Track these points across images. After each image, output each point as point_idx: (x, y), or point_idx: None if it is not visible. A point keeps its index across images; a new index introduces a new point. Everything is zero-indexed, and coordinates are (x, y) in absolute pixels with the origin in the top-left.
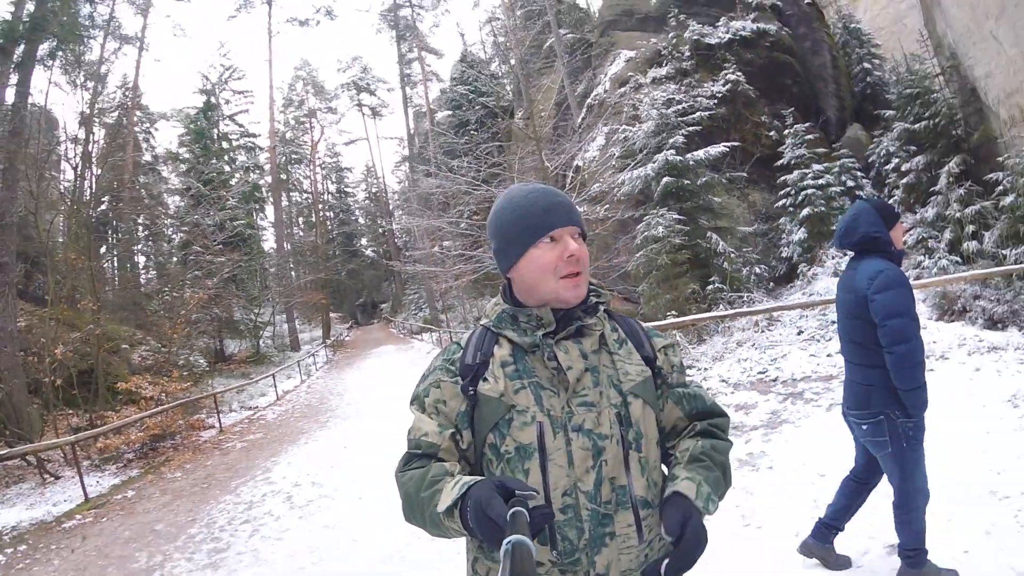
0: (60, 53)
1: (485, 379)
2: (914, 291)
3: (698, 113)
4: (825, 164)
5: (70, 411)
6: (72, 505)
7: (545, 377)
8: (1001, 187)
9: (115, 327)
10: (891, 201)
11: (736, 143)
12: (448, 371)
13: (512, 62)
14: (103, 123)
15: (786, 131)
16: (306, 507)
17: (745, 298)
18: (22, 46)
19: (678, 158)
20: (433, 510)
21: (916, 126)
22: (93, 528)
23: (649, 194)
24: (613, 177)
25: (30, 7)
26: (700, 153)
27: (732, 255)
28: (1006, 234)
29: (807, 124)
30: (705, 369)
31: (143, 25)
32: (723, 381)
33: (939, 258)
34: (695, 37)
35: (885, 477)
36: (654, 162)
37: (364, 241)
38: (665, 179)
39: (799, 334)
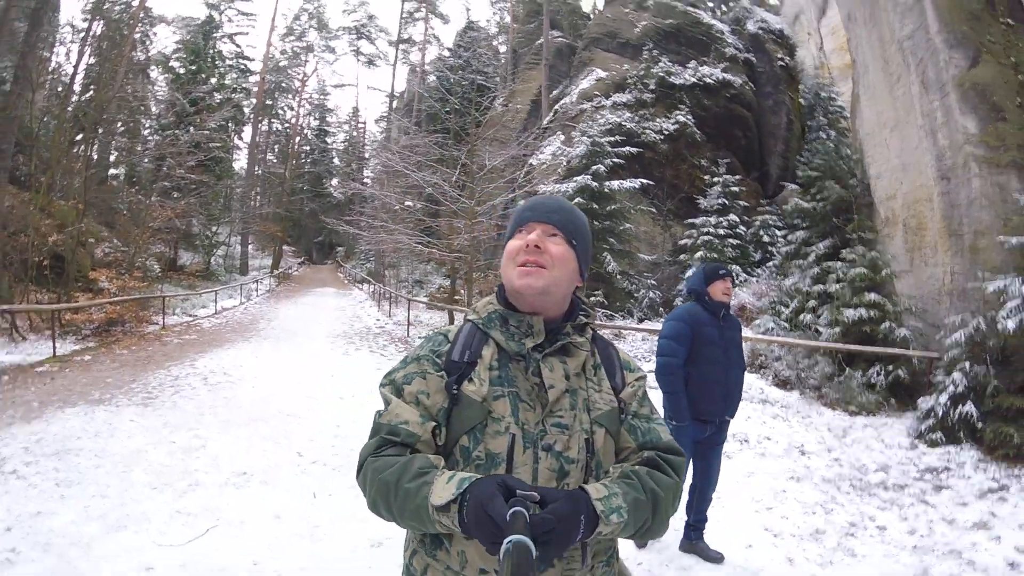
0: None
1: (471, 379)
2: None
3: (628, 148)
4: (744, 217)
5: (34, 288)
6: (42, 358)
7: (524, 389)
8: (834, 275)
9: (89, 223)
10: (771, 264)
11: (649, 181)
12: (434, 363)
13: (502, 49)
14: (105, 17)
15: (715, 178)
16: (216, 385)
17: (620, 316)
18: None
19: (595, 184)
20: (422, 502)
21: (808, 205)
22: (59, 374)
23: None
24: (555, 184)
25: None
26: (615, 183)
27: (618, 276)
28: (833, 316)
29: (738, 177)
30: None
31: None
32: None
33: (769, 322)
34: (661, 74)
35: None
36: (575, 182)
37: (335, 182)
38: (578, 199)
39: (629, 351)
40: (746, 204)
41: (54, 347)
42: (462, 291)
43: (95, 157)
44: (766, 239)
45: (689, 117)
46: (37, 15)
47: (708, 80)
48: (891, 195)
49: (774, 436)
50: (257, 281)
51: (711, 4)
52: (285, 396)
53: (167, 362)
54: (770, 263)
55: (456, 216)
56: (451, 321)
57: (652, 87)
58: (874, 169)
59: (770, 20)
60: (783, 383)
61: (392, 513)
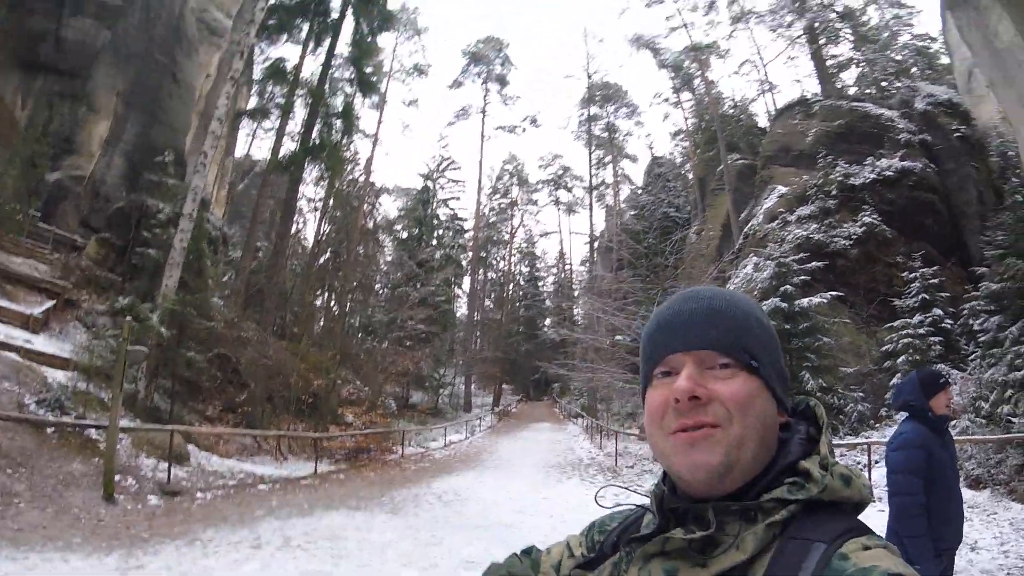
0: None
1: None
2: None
3: (814, 263)
4: (949, 308)
5: (292, 419)
6: (304, 473)
7: None
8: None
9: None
10: (973, 357)
11: (839, 293)
12: (591, 540)
13: (690, 176)
14: (338, 196)
15: (913, 274)
16: (448, 502)
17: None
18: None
19: (785, 305)
20: None
21: (997, 286)
22: (320, 487)
23: None
24: None
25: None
26: (805, 301)
27: (819, 394)
28: None
29: (935, 267)
30: None
31: (378, 120)
32: None
33: (964, 420)
34: (840, 178)
35: None
36: (765, 306)
37: (548, 322)
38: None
39: None
40: (949, 294)
41: (315, 466)
42: None
43: (336, 311)
44: (976, 328)
45: (875, 216)
46: (289, 205)
47: (887, 173)
48: None
49: None
50: (480, 418)
51: (873, 91)
52: (504, 512)
53: (407, 483)
54: (975, 354)
55: None
56: None
57: (833, 193)
58: None
59: (936, 92)
60: (975, 482)
61: None
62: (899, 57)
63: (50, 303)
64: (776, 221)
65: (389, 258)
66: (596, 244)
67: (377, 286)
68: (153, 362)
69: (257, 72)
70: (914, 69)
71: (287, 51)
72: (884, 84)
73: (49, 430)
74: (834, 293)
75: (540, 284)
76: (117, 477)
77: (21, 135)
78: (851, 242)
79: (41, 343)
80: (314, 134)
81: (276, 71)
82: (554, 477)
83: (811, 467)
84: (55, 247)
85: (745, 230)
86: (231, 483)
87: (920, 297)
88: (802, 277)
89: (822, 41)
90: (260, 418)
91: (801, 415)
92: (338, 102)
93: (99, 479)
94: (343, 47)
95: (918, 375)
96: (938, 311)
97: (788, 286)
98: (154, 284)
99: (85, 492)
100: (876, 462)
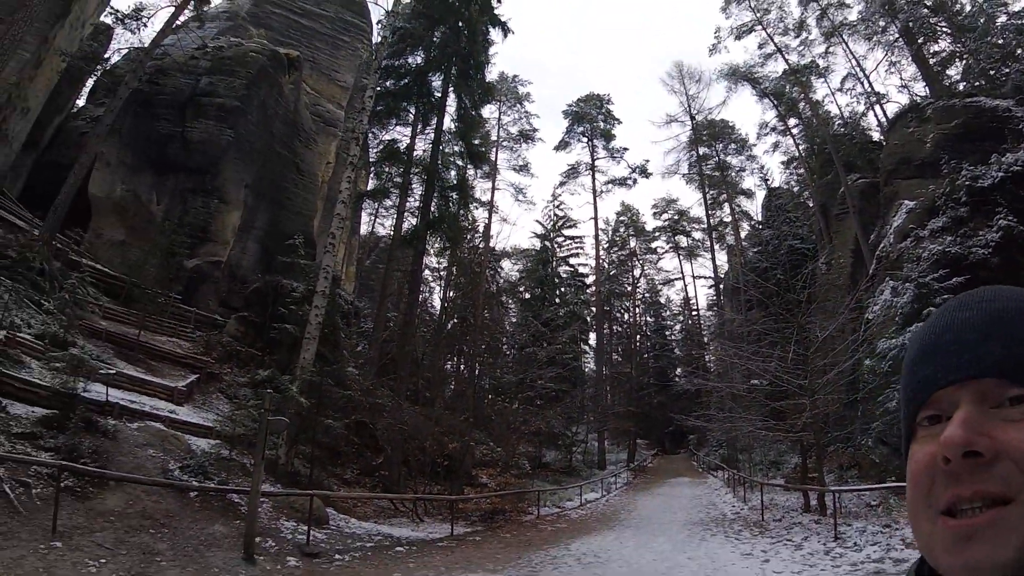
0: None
1: None
2: None
3: (955, 279)
4: None
5: (427, 482)
6: (441, 535)
7: None
8: None
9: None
10: None
11: None
12: None
13: (810, 204)
14: (460, 264)
15: None
16: (588, 564)
17: None
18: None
19: None
20: None
21: None
22: (457, 549)
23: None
24: (891, 340)
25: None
26: None
27: None
28: None
29: None
30: None
31: (492, 188)
32: None
33: None
34: (967, 183)
35: None
36: (905, 333)
37: (679, 372)
38: None
39: None
40: None
41: (452, 528)
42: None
43: (466, 374)
44: None
45: (1011, 218)
46: (415, 276)
47: (1016, 168)
48: None
49: None
50: (615, 475)
51: (983, 83)
52: (649, 574)
53: (544, 544)
54: None
55: (796, 395)
56: (806, 503)
57: (963, 200)
58: None
59: None
60: None
61: None
62: (1001, 41)
63: (193, 377)
64: (909, 239)
65: (514, 319)
66: (722, 286)
67: (504, 348)
68: (293, 430)
69: (373, 155)
70: (1019, 51)
71: (398, 133)
72: (992, 73)
73: (192, 494)
74: None
75: (667, 333)
76: (257, 539)
77: (158, 228)
78: (990, 250)
79: (185, 413)
80: (432, 208)
81: (391, 153)
82: (697, 535)
83: None
84: (197, 326)
85: (877, 253)
86: (369, 545)
87: None
88: (945, 296)
89: (920, 40)
90: (396, 481)
91: None
92: (452, 175)
93: (239, 541)
94: (449, 123)
95: None
96: None
97: (932, 308)
98: (292, 356)
99: (226, 553)
100: None
